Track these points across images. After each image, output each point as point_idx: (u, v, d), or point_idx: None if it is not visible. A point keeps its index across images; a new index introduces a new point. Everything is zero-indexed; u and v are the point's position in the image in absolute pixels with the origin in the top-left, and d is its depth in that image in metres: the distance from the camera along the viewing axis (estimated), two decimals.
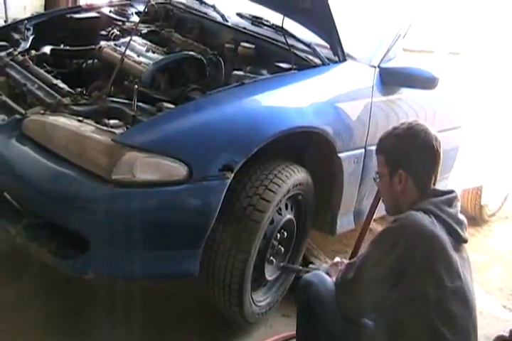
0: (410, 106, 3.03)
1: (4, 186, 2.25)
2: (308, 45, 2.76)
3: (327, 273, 2.14)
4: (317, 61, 2.71)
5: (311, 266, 2.52)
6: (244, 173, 2.29)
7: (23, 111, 2.24)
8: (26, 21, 2.97)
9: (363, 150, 2.76)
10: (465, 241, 1.93)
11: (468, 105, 3.52)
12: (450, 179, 3.62)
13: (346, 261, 2.28)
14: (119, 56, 2.50)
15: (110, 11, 3.26)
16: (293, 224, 2.59)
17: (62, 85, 2.40)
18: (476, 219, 4.48)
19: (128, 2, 3.46)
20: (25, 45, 2.78)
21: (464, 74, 3.50)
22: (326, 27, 2.61)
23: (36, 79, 2.43)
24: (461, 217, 1.96)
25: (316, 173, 2.63)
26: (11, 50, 2.70)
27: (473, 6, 3.62)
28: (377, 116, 2.79)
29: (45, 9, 4.87)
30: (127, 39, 2.62)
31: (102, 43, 2.78)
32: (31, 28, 2.92)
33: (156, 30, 3.07)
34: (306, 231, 2.72)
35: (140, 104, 2.27)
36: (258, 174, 2.33)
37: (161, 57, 2.63)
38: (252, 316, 2.47)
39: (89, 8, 3.28)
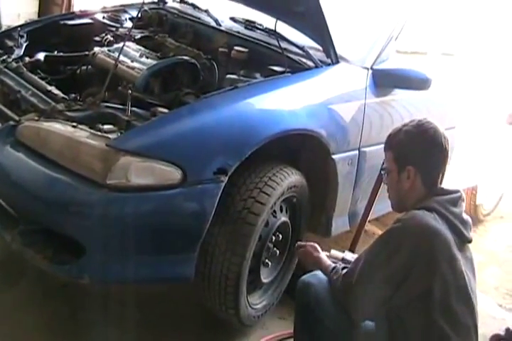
0: (404, 108, 3.05)
1: None
2: (301, 48, 2.77)
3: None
4: (310, 64, 2.72)
5: (333, 251, 2.48)
6: (239, 176, 2.29)
7: (17, 118, 2.25)
8: (20, 28, 2.98)
9: (357, 151, 2.77)
10: (469, 241, 1.94)
11: (461, 106, 3.54)
12: (445, 179, 3.63)
13: (342, 255, 2.29)
14: (113, 62, 2.52)
15: (104, 17, 3.27)
16: (288, 226, 2.60)
17: (56, 91, 2.41)
18: (472, 219, 4.47)
19: (121, 8, 3.48)
20: (19, 51, 2.79)
21: (458, 75, 3.51)
22: (318, 30, 2.62)
23: (30, 86, 2.44)
24: (466, 216, 1.96)
25: (311, 175, 2.64)
26: (4, 57, 2.71)
27: (466, 7, 3.65)
28: (371, 117, 2.81)
29: (38, 16, 4.88)
30: (121, 45, 2.62)
31: (96, 49, 2.79)
32: (25, 35, 2.93)
33: (150, 35, 3.08)
34: (301, 233, 2.73)
35: (134, 109, 2.27)
36: (252, 177, 2.34)
37: (154, 62, 2.64)
38: (248, 319, 2.48)
39: (83, 14, 3.29)
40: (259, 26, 3.02)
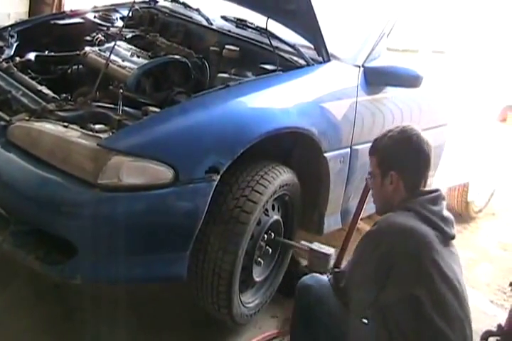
0: (395, 105, 3.06)
1: None
2: (292, 46, 2.77)
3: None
4: (302, 62, 2.73)
5: (302, 242, 2.52)
6: (231, 175, 2.30)
7: (8, 118, 2.23)
8: (10, 28, 2.96)
9: (348, 149, 2.78)
10: (452, 237, 1.97)
11: (453, 103, 3.55)
12: (436, 176, 3.65)
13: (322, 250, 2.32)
14: (104, 61, 2.50)
15: (95, 17, 3.26)
16: (280, 224, 2.60)
17: (47, 91, 2.40)
18: (463, 216, 4.51)
19: (112, 7, 3.46)
20: (10, 51, 2.78)
21: (449, 73, 3.52)
22: (310, 28, 2.62)
23: (21, 86, 2.42)
24: (447, 214, 1.99)
25: (303, 174, 2.65)
26: None
27: (457, 5, 3.66)
28: (363, 115, 2.81)
29: (29, 16, 4.85)
30: (112, 44, 2.61)
31: (87, 49, 2.78)
32: (15, 35, 2.92)
33: (141, 34, 3.07)
34: (294, 231, 2.73)
35: (125, 108, 2.28)
36: (244, 175, 2.34)
37: (145, 61, 2.64)
38: (240, 317, 2.48)
39: (74, 14, 3.27)
40: (250, 25, 3.02)
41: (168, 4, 3.50)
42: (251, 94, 2.41)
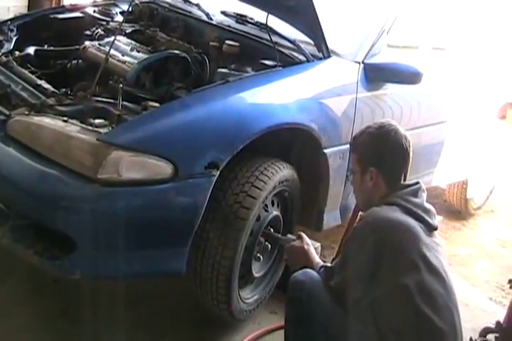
0: (395, 102, 3.05)
1: None
2: (292, 42, 2.77)
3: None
4: (302, 58, 2.72)
5: (289, 235, 2.52)
6: (230, 170, 2.30)
7: (7, 112, 2.23)
8: (10, 22, 2.95)
9: (348, 145, 2.77)
10: (435, 228, 1.99)
11: (453, 100, 3.55)
12: (436, 173, 3.65)
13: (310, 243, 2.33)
14: (104, 56, 2.50)
15: (94, 11, 3.24)
16: (279, 220, 2.60)
17: (46, 86, 2.40)
18: (462, 213, 4.52)
19: (112, 2, 3.45)
20: (9, 46, 2.77)
21: (449, 69, 3.52)
22: (310, 24, 2.62)
23: (20, 80, 2.42)
24: (428, 205, 2.02)
25: (302, 169, 2.65)
26: None
27: (457, 2, 3.65)
28: (363, 111, 2.81)
29: (28, 10, 4.82)
30: (112, 39, 2.61)
31: (87, 43, 2.77)
32: (15, 29, 2.91)
33: (141, 29, 3.07)
34: (293, 227, 2.73)
35: (125, 103, 2.27)
36: (244, 171, 2.34)
37: (145, 56, 2.63)
38: (240, 313, 2.48)
39: (73, 8, 3.26)
40: (250, 20, 3.01)
41: None
42: (251, 90, 2.40)
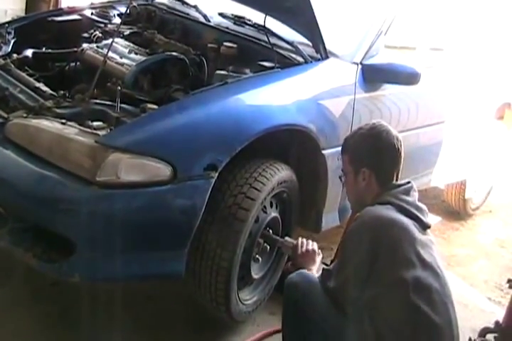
0: (393, 102, 3.06)
1: None
2: (290, 43, 2.77)
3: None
4: (300, 59, 2.72)
5: (287, 238, 2.52)
6: (229, 172, 2.30)
7: (5, 115, 2.23)
8: (7, 25, 2.95)
9: None
10: (428, 226, 2.01)
11: (450, 100, 3.55)
12: (434, 174, 3.66)
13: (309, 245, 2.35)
14: (102, 58, 2.50)
15: (92, 13, 3.25)
16: (278, 221, 2.60)
17: (44, 88, 2.39)
18: (460, 213, 4.52)
19: (110, 4, 3.45)
20: (7, 48, 2.77)
21: (447, 70, 3.52)
22: (308, 25, 2.62)
23: (18, 83, 2.42)
24: (420, 204, 2.04)
25: (301, 171, 2.65)
26: None
27: (455, 2, 3.66)
28: (361, 112, 2.81)
29: (26, 13, 4.83)
30: (109, 41, 2.61)
31: (85, 46, 2.78)
32: (12, 32, 2.90)
33: (139, 31, 3.07)
34: (292, 228, 2.73)
35: (123, 105, 2.28)
36: (242, 172, 2.34)
37: (143, 58, 2.63)
38: (239, 315, 2.48)
39: (71, 10, 3.26)
40: (248, 22, 3.02)
41: (166, 1, 3.48)
42: (249, 91, 2.40)
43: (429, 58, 3.40)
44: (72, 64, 2.78)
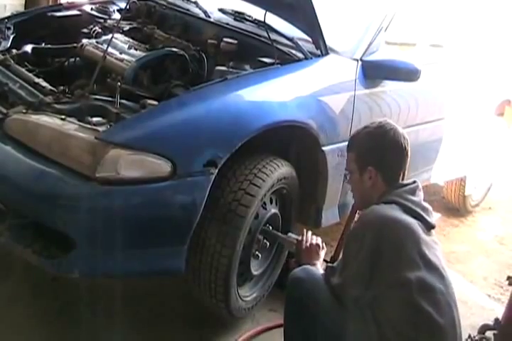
0: (393, 99, 3.05)
1: None
2: (290, 39, 2.77)
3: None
4: (300, 55, 2.72)
5: (290, 234, 2.51)
6: (229, 168, 2.30)
7: (5, 111, 2.22)
8: (7, 20, 2.94)
9: (346, 143, 2.77)
10: (432, 226, 2.00)
11: (450, 97, 3.55)
12: (434, 170, 3.65)
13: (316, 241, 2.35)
14: (101, 54, 2.49)
15: (92, 9, 3.23)
16: (278, 218, 2.61)
17: (44, 84, 2.39)
18: (460, 210, 4.52)
19: None
20: (6, 44, 2.76)
21: (447, 67, 3.52)
22: (308, 21, 2.61)
23: (18, 78, 2.41)
24: (426, 204, 2.03)
25: (301, 167, 2.65)
26: None
27: None
28: (361, 109, 2.81)
29: (25, 8, 4.82)
30: (109, 36, 2.61)
31: (84, 41, 2.76)
32: (12, 27, 2.89)
33: (138, 27, 3.06)
34: (291, 225, 2.73)
35: (123, 101, 2.27)
36: (242, 169, 2.34)
37: (143, 54, 2.62)
38: (238, 311, 2.48)
39: (71, 6, 3.25)
40: (248, 18, 3.01)
41: None
42: (249, 88, 2.40)
43: (429, 55, 3.40)
44: (72, 59, 2.77)
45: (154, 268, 2.16)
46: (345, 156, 2.74)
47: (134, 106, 2.26)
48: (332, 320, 1.92)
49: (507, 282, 2.72)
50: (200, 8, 3.21)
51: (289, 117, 2.43)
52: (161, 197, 2.07)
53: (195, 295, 2.46)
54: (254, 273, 2.57)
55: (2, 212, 2.15)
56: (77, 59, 2.77)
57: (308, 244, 2.34)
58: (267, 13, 2.71)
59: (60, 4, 3.44)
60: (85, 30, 2.98)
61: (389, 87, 2.96)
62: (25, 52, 2.76)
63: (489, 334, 2.57)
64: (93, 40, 2.78)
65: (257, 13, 2.89)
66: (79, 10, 3.21)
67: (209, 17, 3.13)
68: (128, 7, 3.12)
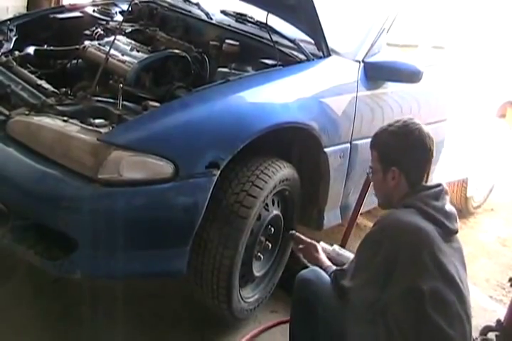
0: (395, 100, 3.05)
1: None
2: (292, 41, 2.77)
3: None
4: (302, 57, 2.72)
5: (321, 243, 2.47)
6: (231, 170, 2.30)
7: (7, 113, 2.22)
8: (9, 22, 2.95)
9: (348, 144, 2.78)
10: (455, 232, 1.96)
11: (452, 98, 3.55)
12: (436, 172, 3.65)
13: (331, 248, 2.34)
14: (104, 55, 2.50)
15: (94, 11, 3.24)
16: (280, 219, 2.61)
17: (46, 86, 2.39)
18: (462, 212, 4.50)
19: (111, 1, 3.45)
20: (9, 46, 2.77)
21: (449, 68, 3.52)
22: (310, 23, 2.61)
23: (20, 80, 2.42)
24: (449, 208, 1.97)
25: (303, 169, 2.65)
26: None
27: (457, 0, 3.65)
28: (363, 110, 2.81)
29: (27, 10, 4.83)
30: (111, 38, 2.61)
31: (86, 43, 2.77)
32: (14, 29, 2.90)
33: (141, 28, 3.06)
34: (293, 226, 2.73)
35: (125, 103, 2.27)
36: (244, 170, 2.34)
37: (145, 55, 2.63)
38: (240, 312, 2.49)
39: (73, 8, 3.26)
40: (250, 19, 3.01)
41: None
42: (251, 89, 2.40)
43: (431, 56, 3.40)
44: (74, 61, 2.78)
45: (156, 269, 2.16)
46: (347, 158, 2.77)
47: (136, 107, 2.27)
48: (339, 321, 1.91)
49: (509, 283, 2.72)
50: (202, 10, 3.22)
51: (291, 119, 2.43)
52: (163, 199, 2.07)
53: (197, 296, 2.46)
54: (257, 274, 2.57)
55: (4, 214, 2.15)
56: (80, 61, 2.77)
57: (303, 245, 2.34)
58: (269, 14, 2.72)
59: (62, 6, 3.44)
60: (87, 32, 2.99)
61: (391, 88, 2.96)
62: (28, 54, 2.77)
63: (491, 335, 2.57)
64: (95, 42, 2.78)
65: (258, 14, 2.89)
66: (81, 12, 3.23)
67: (211, 19, 3.13)
68: (130, 9, 3.13)
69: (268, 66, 2.62)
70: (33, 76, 2.50)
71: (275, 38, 2.74)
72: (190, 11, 3.24)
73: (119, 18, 3.24)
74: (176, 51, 2.67)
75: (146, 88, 2.51)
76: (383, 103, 2.97)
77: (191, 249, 2.20)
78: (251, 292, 2.59)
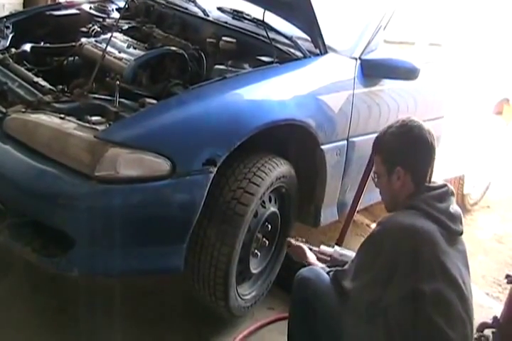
0: (392, 98, 3.06)
1: None
2: (289, 38, 2.77)
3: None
4: (298, 54, 2.72)
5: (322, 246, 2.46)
6: (228, 167, 2.30)
7: (4, 110, 2.22)
8: (5, 19, 2.94)
9: (345, 142, 2.78)
10: (459, 233, 1.96)
11: (449, 95, 3.55)
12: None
13: (332, 250, 2.33)
14: (100, 52, 2.49)
15: (90, 8, 3.23)
16: (277, 216, 2.61)
17: (43, 83, 2.39)
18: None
19: None
20: (5, 43, 2.76)
21: (445, 65, 3.52)
22: (307, 20, 2.61)
23: (17, 78, 2.41)
24: (454, 210, 1.97)
25: (299, 166, 2.65)
26: None
27: None
28: (359, 107, 2.81)
29: (24, 7, 4.81)
30: (108, 35, 2.61)
31: (83, 40, 2.76)
32: (10, 26, 2.90)
33: (137, 26, 3.06)
34: (290, 223, 2.74)
35: (122, 100, 2.27)
36: (241, 167, 2.34)
37: (142, 53, 2.62)
38: (237, 310, 2.49)
39: (69, 5, 3.25)
40: (247, 16, 3.00)
41: None
42: (248, 86, 2.40)
43: (428, 53, 3.40)
44: (71, 58, 2.77)
45: (153, 266, 2.16)
46: (344, 155, 2.78)
47: (133, 105, 2.27)
48: (339, 321, 1.91)
49: (505, 280, 2.73)
50: (199, 7, 3.21)
51: (288, 116, 2.43)
52: (160, 196, 2.07)
53: (194, 293, 2.46)
54: (254, 271, 2.57)
55: (1, 211, 2.15)
56: (76, 58, 2.76)
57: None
58: (266, 11, 2.71)
59: (59, 3, 3.45)
60: (84, 29, 2.98)
61: (388, 85, 2.97)
62: (24, 51, 2.76)
63: (488, 332, 2.57)
64: (92, 39, 2.78)
65: (255, 11, 2.89)
66: (78, 9, 3.22)
67: (208, 16, 3.12)
68: (127, 6, 3.13)
69: (265, 63, 2.62)
70: (29, 73, 2.49)
71: (272, 35, 2.74)
72: (186, 8, 3.23)
73: (115, 15, 3.23)
74: (173, 48, 2.66)
75: (142, 85, 2.51)
76: (380, 100, 2.97)
77: (188, 246, 2.20)
78: (248, 289, 2.59)
